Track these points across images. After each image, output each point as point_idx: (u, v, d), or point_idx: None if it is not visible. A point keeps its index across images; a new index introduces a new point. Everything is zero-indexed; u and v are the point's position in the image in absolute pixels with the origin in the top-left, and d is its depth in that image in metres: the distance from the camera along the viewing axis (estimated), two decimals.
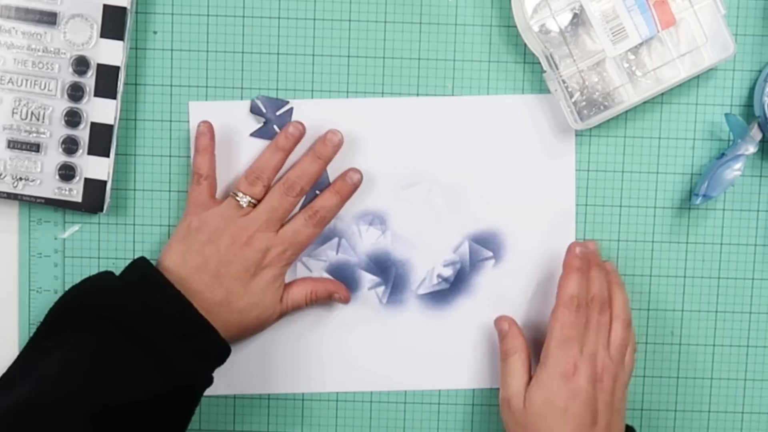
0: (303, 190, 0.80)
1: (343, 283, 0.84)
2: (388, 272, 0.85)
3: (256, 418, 0.86)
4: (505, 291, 0.86)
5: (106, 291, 0.77)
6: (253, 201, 0.80)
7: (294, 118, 0.83)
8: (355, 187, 0.82)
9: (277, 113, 0.83)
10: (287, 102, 0.83)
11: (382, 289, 0.85)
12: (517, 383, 0.80)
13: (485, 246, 0.85)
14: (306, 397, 0.86)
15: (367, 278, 0.85)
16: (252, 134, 0.83)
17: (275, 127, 0.83)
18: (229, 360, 0.80)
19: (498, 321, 0.84)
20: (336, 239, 0.84)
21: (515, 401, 0.80)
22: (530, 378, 0.80)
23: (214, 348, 0.78)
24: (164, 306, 0.76)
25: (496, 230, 0.85)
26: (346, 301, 0.84)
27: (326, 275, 0.85)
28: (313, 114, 0.83)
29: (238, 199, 0.80)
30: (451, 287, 0.86)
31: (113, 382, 0.74)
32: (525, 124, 0.84)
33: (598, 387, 0.78)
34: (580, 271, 0.80)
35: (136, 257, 0.80)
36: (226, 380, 0.85)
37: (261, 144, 0.83)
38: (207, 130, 0.81)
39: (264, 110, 0.83)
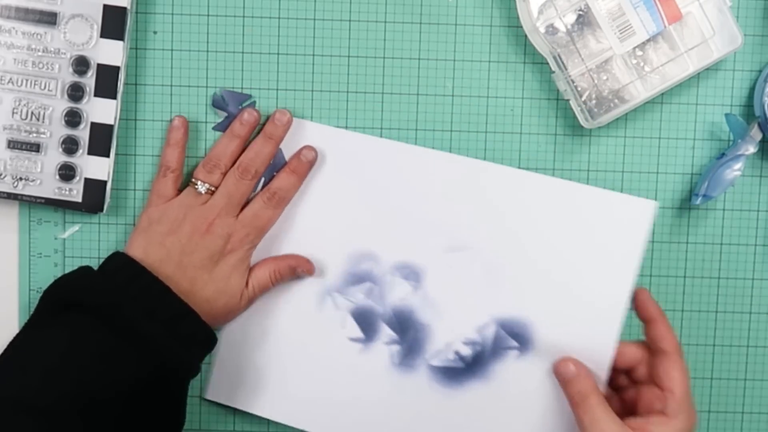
0: (258, 172, 0.81)
1: (308, 259, 0.83)
2: (407, 333, 0.83)
3: (256, 418, 0.86)
4: (525, 385, 0.81)
5: (85, 282, 0.77)
6: (211, 188, 0.80)
7: (362, 157, 0.83)
8: (311, 165, 0.82)
9: (240, 106, 0.83)
10: (249, 96, 0.83)
11: (397, 348, 0.83)
12: (613, 425, 0.74)
13: (513, 334, 0.81)
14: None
15: (386, 332, 0.83)
16: (214, 128, 0.83)
17: None
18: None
19: (561, 364, 0.79)
20: (368, 284, 0.83)
21: None
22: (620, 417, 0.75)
23: (197, 331, 0.77)
24: (142, 292, 0.76)
25: (528, 320, 0.81)
26: (310, 273, 0.83)
27: (349, 317, 0.83)
28: (378, 156, 0.82)
29: (196, 187, 0.80)
30: (466, 368, 0.82)
31: (94, 369, 0.73)
32: (591, 218, 0.81)
33: None
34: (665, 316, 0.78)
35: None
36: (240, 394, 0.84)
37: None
38: (181, 125, 0.82)
39: (226, 103, 0.83)
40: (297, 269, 0.82)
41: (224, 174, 0.81)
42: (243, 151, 0.81)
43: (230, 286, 0.80)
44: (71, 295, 0.76)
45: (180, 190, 0.82)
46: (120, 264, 0.78)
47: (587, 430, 0.75)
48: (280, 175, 0.82)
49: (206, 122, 0.83)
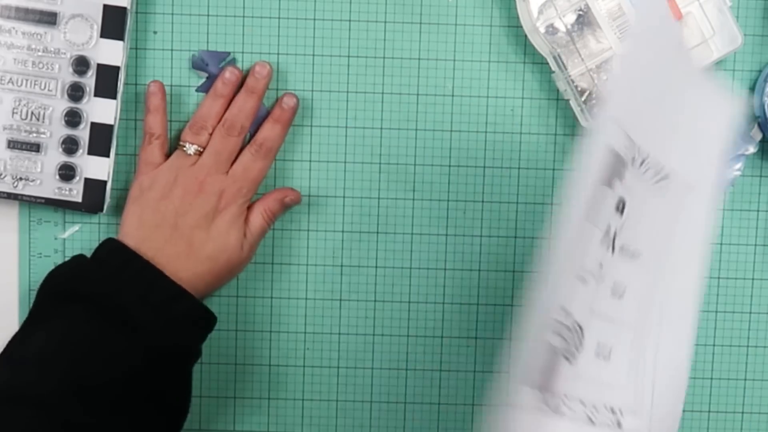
0: (243, 127, 0.81)
1: (292, 188, 0.83)
2: None
3: (256, 418, 0.86)
4: None
5: (77, 271, 0.77)
6: (199, 149, 0.80)
7: None
8: (293, 111, 0.82)
9: (220, 65, 0.83)
10: (228, 53, 0.83)
11: None
12: None
13: None
14: (306, 398, 0.86)
15: None
16: (197, 89, 0.83)
17: None
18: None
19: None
20: None
21: None
22: None
23: (192, 312, 0.77)
24: (134, 277, 0.76)
25: None
26: (298, 200, 0.83)
27: None
28: None
29: (185, 149, 0.80)
30: None
31: (91, 357, 0.73)
32: None
33: None
34: None
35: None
36: None
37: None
38: (158, 90, 0.81)
39: (206, 64, 0.83)
40: (285, 200, 0.83)
41: (211, 134, 0.80)
42: (226, 109, 0.81)
43: (230, 241, 0.80)
44: (65, 285, 0.76)
45: (168, 156, 0.81)
46: (111, 250, 0.78)
47: None
48: (264, 125, 0.81)
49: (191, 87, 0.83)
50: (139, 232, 0.79)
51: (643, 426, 0.63)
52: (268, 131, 0.81)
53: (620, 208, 0.60)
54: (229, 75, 0.81)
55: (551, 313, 0.57)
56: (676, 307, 0.65)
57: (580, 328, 0.59)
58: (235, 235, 0.80)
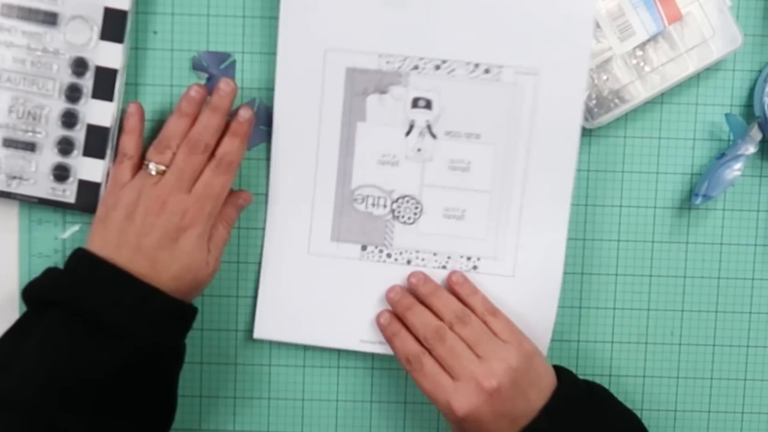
0: (207, 146, 0.79)
1: (244, 190, 0.83)
2: None
3: (256, 418, 0.86)
4: None
5: (49, 280, 0.77)
6: (162, 168, 0.79)
7: None
8: (250, 123, 0.81)
9: (221, 67, 0.83)
10: (229, 54, 0.83)
11: None
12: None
13: None
14: (306, 397, 0.86)
15: None
16: None
17: None
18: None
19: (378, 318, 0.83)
20: None
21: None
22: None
23: (166, 310, 0.77)
24: (103, 282, 0.75)
25: None
26: (250, 200, 0.83)
27: None
28: None
29: (148, 168, 0.79)
30: None
31: (69, 362, 0.73)
32: None
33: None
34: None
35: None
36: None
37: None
38: (136, 111, 0.81)
39: (206, 65, 0.83)
40: (239, 202, 0.83)
41: (175, 153, 0.79)
42: (191, 128, 0.80)
43: (194, 260, 0.78)
44: (37, 294, 0.76)
45: None
46: (79, 258, 0.78)
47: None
48: (223, 141, 0.80)
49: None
50: (102, 251, 0.77)
51: (506, 269, 0.83)
52: (227, 146, 0.80)
53: (424, 105, 0.81)
54: (194, 93, 0.79)
55: (355, 191, 0.83)
56: (540, 177, 0.82)
57: (413, 198, 0.83)
58: (199, 254, 0.79)
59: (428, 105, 0.81)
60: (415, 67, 0.81)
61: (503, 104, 0.81)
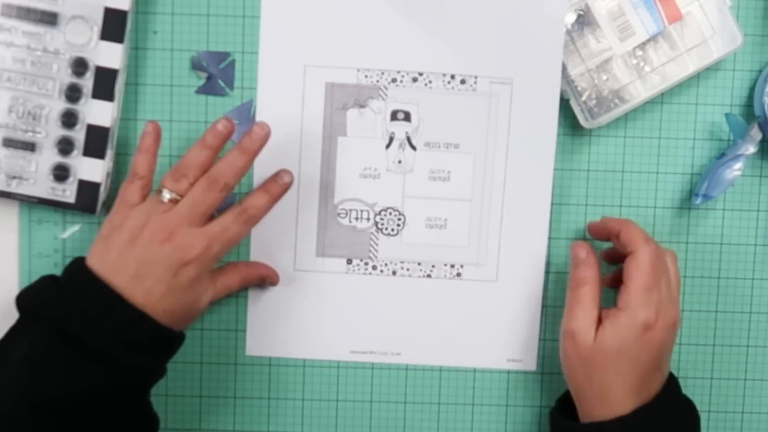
0: (228, 185, 0.77)
1: (276, 271, 0.84)
2: None
3: (256, 418, 0.86)
4: None
5: (42, 293, 0.76)
6: (176, 197, 0.77)
7: None
8: (286, 188, 0.80)
9: (220, 66, 0.83)
10: (228, 54, 0.83)
11: None
12: (587, 317, 0.77)
13: None
14: (306, 397, 0.86)
15: None
16: (197, 91, 0.83)
17: (220, 81, 0.83)
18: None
19: (574, 247, 0.80)
20: None
21: (583, 336, 0.77)
22: (599, 312, 0.78)
23: (154, 336, 0.75)
24: (92, 301, 0.74)
25: None
26: (276, 283, 0.84)
27: None
28: None
29: (161, 195, 0.77)
30: None
31: (49, 378, 0.72)
32: None
33: (671, 335, 0.77)
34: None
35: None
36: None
37: (210, 99, 0.84)
38: (153, 130, 0.79)
39: (206, 65, 0.83)
40: (267, 280, 0.83)
41: (192, 184, 0.77)
42: (212, 161, 0.78)
43: (189, 298, 0.77)
44: (29, 306, 0.75)
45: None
46: (76, 270, 0.76)
47: (569, 309, 0.79)
48: (254, 193, 0.79)
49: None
50: (100, 271, 0.75)
51: (489, 274, 0.85)
52: (256, 200, 0.79)
53: (403, 117, 0.83)
54: (221, 128, 0.77)
55: (338, 205, 0.84)
56: (519, 182, 0.84)
57: (396, 210, 0.84)
58: (195, 294, 0.77)
59: (407, 117, 0.83)
60: (393, 80, 0.83)
61: (480, 114, 0.83)
